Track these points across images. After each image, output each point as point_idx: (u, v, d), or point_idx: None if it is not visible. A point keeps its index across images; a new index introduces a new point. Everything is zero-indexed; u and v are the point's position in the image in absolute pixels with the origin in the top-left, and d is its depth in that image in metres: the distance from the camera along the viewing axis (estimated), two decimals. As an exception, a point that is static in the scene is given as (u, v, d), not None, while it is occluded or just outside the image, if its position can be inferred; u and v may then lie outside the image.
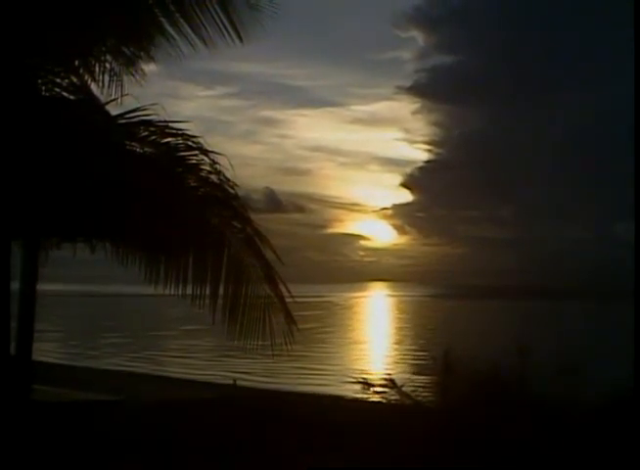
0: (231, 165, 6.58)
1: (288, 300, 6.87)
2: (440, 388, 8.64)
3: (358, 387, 9.28)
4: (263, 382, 23.66)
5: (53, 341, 39.35)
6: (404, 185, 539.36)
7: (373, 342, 49.58)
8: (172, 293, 6.67)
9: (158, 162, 6.61)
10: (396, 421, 8.30)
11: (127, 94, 6.96)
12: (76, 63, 6.66)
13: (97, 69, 6.76)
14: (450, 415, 8.06)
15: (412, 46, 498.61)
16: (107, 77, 6.86)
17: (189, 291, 6.67)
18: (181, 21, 6.62)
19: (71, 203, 6.21)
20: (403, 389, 8.87)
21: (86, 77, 6.68)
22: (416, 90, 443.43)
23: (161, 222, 6.38)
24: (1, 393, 6.75)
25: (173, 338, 47.87)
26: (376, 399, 9.06)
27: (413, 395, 8.77)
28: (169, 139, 6.59)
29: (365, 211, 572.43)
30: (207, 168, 6.64)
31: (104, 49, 6.81)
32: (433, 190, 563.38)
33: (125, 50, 6.92)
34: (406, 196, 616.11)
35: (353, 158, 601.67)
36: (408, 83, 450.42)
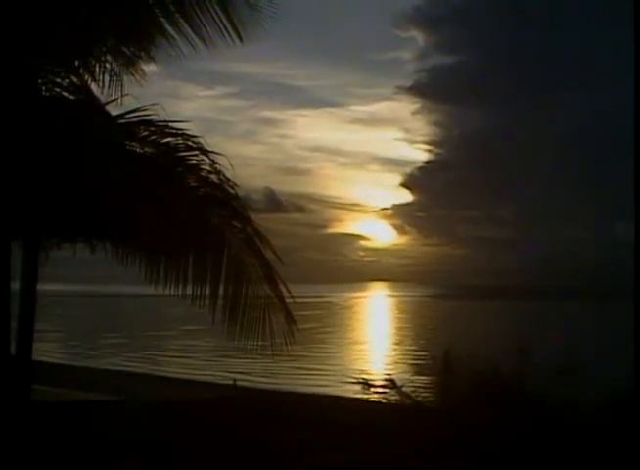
0: (231, 165, 6.59)
1: (288, 300, 6.87)
2: (440, 388, 8.64)
3: (358, 387, 9.28)
4: (263, 382, 23.65)
5: (53, 341, 39.35)
6: (404, 185, 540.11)
7: (373, 342, 49.54)
8: (172, 293, 6.67)
9: (158, 162, 6.61)
10: (396, 421, 8.29)
11: (127, 94, 6.96)
12: (76, 63, 6.66)
13: (97, 69, 6.75)
14: (450, 415, 8.05)
15: (412, 46, 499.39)
16: (107, 77, 6.86)
17: (189, 291, 6.66)
18: (181, 21, 6.61)
19: (71, 203, 6.21)
20: (403, 389, 8.86)
21: (86, 77, 6.68)
22: (416, 90, 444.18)
23: (161, 222, 6.38)
24: (1, 393, 6.75)
25: (173, 338, 47.83)
26: (376, 399, 9.05)
27: (413, 395, 8.77)
28: (169, 139, 6.59)
29: (365, 211, 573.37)
30: (207, 168, 6.64)
31: (104, 49, 6.80)
32: (433, 190, 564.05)
33: (125, 50, 6.92)
34: (406, 196, 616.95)
35: (353, 158, 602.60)
36: (408, 83, 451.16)
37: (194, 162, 6.66)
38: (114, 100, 6.88)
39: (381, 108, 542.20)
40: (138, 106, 6.43)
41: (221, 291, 6.72)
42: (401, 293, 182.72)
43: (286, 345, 6.78)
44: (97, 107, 6.78)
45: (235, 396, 15.70)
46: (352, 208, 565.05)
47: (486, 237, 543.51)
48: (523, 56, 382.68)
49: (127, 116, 6.49)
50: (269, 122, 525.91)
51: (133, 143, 6.56)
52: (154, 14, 6.56)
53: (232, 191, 6.69)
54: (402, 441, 7.84)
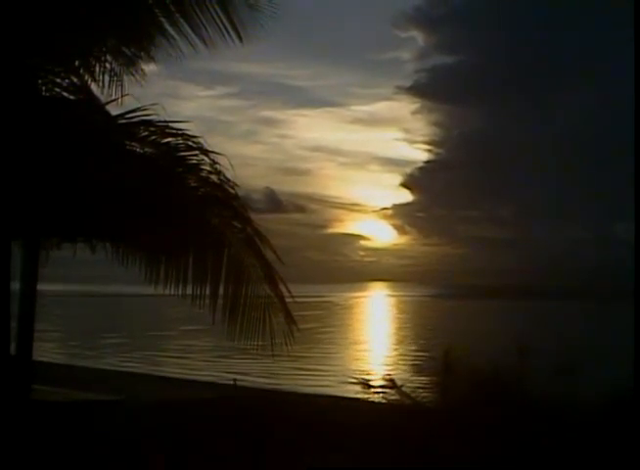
0: (231, 165, 6.59)
1: (288, 300, 6.87)
2: (440, 388, 8.63)
3: (358, 387, 9.27)
4: (263, 382, 23.65)
5: (53, 341, 39.36)
6: (404, 185, 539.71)
7: (373, 342, 49.56)
8: (172, 293, 6.68)
9: (158, 162, 6.61)
10: (396, 421, 8.29)
11: (127, 94, 6.95)
12: (77, 63, 6.65)
13: (97, 69, 6.74)
14: (450, 415, 8.05)
15: (412, 46, 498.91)
16: (107, 77, 6.84)
17: (189, 291, 6.67)
18: (181, 21, 6.61)
19: (72, 203, 6.21)
20: (403, 389, 8.86)
21: (86, 77, 6.67)
22: (416, 90, 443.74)
23: (162, 222, 6.39)
24: (1, 393, 6.75)
25: (173, 338, 47.86)
26: (376, 399, 9.05)
27: (413, 395, 8.77)
28: (169, 139, 6.59)
29: (365, 211, 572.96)
30: (208, 169, 6.64)
31: (104, 49, 6.79)
32: (433, 190, 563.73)
33: (126, 50, 6.91)
34: (406, 196, 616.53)
35: (353, 158, 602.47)
36: (408, 83, 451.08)
37: (194, 162, 6.66)
38: (115, 100, 6.87)
39: (381, 108, 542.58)
40: (138, 106, 6.43)
41: (221, 291, 6.72)
42: (401, 293, 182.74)
43: (286, 345, 6.78)
44: (97, 107, 6.78)
45: (235, 396, 15.69)
46: (352, 208, 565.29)
47: (486, 237, 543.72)
48: (523, 56, 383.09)
49: (127, 116, 6.49)
50: (269, 122, 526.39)
51: (133, 143, 6.56)
52: (154, 14, 6.56)
53: (232, 191, 6.69)
54: (402, 441, 7.83)
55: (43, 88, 6.40)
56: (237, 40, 6.76)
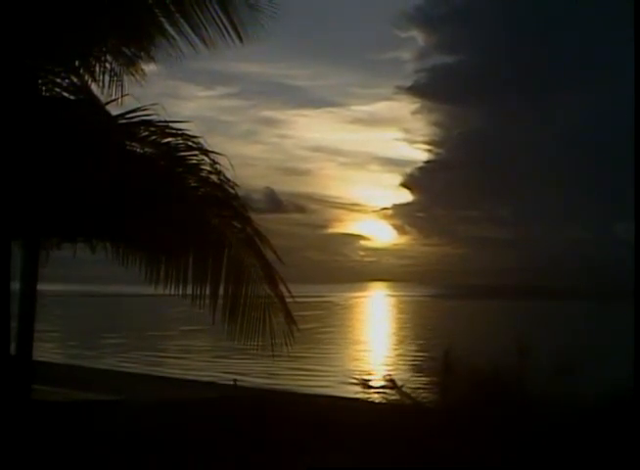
0: (231, 165, 6.60)
1: (288, 300, 6.87)
2: (440, 388, 8.63)
3: (358, 387, 9.26)
4: (263, 382, 23.64)
5: (53, 341, 39.35)
6: (404, 185, 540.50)
7: (373, 342, 49.55)
8: (172, 293, 6.68)
9: (158, 162, 6.62)
10: (396, 421, 8.29)
11: (128, 94, 6.96)
12: (77, 63, 6.66)
13: (97, 69, 6.75)
14: (450, 415, 8.05)
15: (412, 46, 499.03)
16: (107, 78, 6.85)
17: (189, 291, 6.67)
18: (181, 21, 6.62)
19: (72, 203, 6.21)
20: (403, 389, 8.85)
21: (86, 78, 6.68)
22: (416, 90, 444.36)
23: (162, 222, 6.39)
24: (1, 393, 6.75)
25: (173, 338, 47.84)
26: (376, 399, 9.05)
27: (413, 395, 8.76)
28: (169, 139, 6.59)
29: (365, 211, 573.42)
30: (208, 169, 6.64)
31: (104, 49, 6.80)
32: (433, 190, 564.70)
33: (126, 50, 6.92)
34: (406, 196, 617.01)
35: (353, 158, 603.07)
36: (408, 83, 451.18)
37: (194, 162, 6.66)
38: (115, 100, 6.88)
39: (381, 108, 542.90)
40: (138, 106, 6.44)
41: (221, 291, 6.72)
42: (401, 293, 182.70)
43: (286, 345, 6.78)
44: (97, 107, 6.78)
45: (235, 396, 15.69)
46: (352, 208, 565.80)
47: (486, 237, 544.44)
48: (523, 56, 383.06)
49: (127, 116, 6.49)
50: (269, 122, 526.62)
51: (133, 143, 6.56)
52: (154, 14, 6.57)
53: (232, 191, 6.70)
54: (402, 441, 7.83)
55: (43, 88, 6.40)
56: (237, 40, 6.78)
